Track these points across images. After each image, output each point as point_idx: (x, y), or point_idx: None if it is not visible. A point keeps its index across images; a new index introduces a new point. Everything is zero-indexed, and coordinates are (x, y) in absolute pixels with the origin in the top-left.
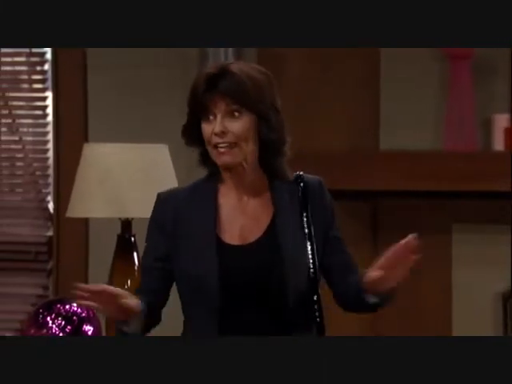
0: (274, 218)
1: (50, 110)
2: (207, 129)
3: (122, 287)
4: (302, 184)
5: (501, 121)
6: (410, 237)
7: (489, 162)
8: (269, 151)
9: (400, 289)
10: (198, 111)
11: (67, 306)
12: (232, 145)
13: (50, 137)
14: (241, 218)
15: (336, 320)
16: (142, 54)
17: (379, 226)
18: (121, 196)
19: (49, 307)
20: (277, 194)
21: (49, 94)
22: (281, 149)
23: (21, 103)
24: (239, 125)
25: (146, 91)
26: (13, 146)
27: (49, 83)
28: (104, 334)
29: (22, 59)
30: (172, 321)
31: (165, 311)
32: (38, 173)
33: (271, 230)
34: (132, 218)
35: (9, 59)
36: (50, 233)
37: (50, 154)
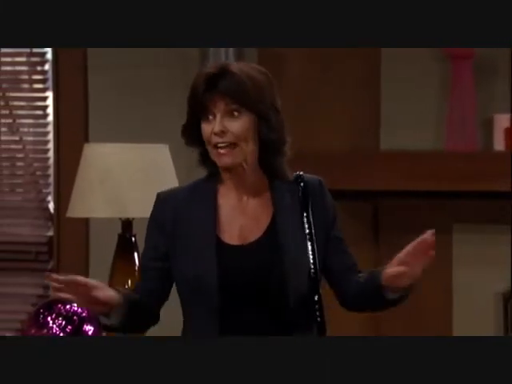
0: (274, 217)
1: (50, 110)
2: (207, 128)
3: (123, 287)
4: (302, 184)
5: (502, 121)
6: (429, 232)
7: (489, 162)
8: (269, 151)
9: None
10: (197, 111)
11: (68, 306)
12: (232, 145)
13: (51, 137)
14: (240, 218)
15: (336, 320)
16: (142, 54)
17: (379, 226)
18: (121, 196)
19: (49, 307)
20: (277, 194)
21: (49, 94)
22: (281, 149)
23: (21, 103)
24: (239, 125)
25: (147, 91)
26: (13, 146)
27: (49, 83)
28: (104, 334)
29: (23, 59)
30: (172, 321)
31: (165, 311)
32: (38, 173)
33: (271, 229)
34: (133, 218)
35: (9, 59)
36: (51, 233)
37: (51, 154)
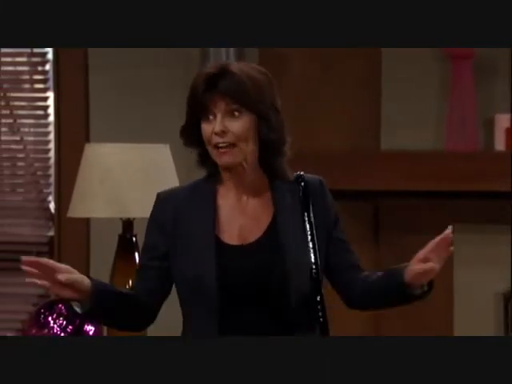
0: (275, 217)
1: (51, 110)
2: (207, 128)
3: (124, 287)
4: (302, 184)
5: (502, 121)
6: (449, 229)
7: (489, 162)
8: (269, 151)
9: None
10: (197, 111)
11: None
12: (232, 145)
13: (52, 137)
14: (240, 218)
15: (337, 320)
16: (143, 54)
17: (379, 226)
18: (122, 196)
19: (50, 307)
20: (277, 194)
21: (50, 94)
22: (281, 149)
23: (22, 103)
24: (239, 124)
25: (147, 91)
26: (14, 146)
27: (50, 83)
28: (105, 334)
29: (24, 59)
30: (172, 321)
31: (165, 311)
32: (39, 173)
33: (271, 229)
34: (133, 218)
35: (10, 59)
36: (51, 233)
37: (52, 154)
